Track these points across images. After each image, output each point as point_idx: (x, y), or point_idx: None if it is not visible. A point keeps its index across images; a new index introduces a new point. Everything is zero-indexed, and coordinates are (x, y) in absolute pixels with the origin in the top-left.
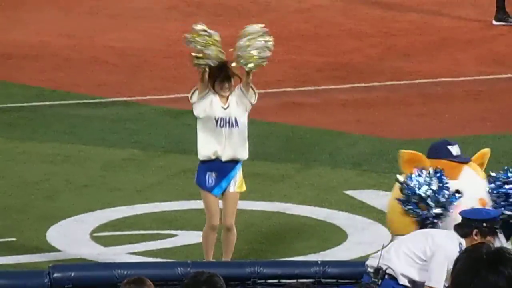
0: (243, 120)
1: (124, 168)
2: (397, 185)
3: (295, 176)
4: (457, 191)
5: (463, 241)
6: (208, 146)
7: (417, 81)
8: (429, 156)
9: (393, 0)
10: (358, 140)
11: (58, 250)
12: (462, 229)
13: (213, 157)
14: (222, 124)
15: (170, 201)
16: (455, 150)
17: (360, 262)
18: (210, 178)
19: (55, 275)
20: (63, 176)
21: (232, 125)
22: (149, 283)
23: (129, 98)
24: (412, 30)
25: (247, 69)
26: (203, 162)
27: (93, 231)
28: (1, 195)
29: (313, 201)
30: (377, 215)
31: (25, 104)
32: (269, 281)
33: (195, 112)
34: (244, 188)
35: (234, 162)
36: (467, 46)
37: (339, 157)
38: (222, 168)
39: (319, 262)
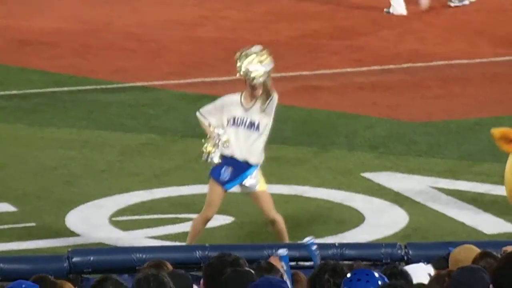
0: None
1: (141, 153)
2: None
3: (312, 160)
4: None
5: None
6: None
7: (433, 64)
8: None
9: None
10: (374, 123)
11: (77, 235)
12: None
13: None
14: (239, 123)
15: (188, 185)
16: None
17: (377, 244)
18: (226, 172)
19: (74, 259)
20: (81, 161)
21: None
22: (168, 266)
23: (146, 83)
24: (427, 12)
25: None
26: (224, 157)
27: (112, 216)
28: (21, 180)
29: (330, 184)
30: (394, 197)
31: (43, 90)
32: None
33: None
34: (265, 185)
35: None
36: (483, 28)
37: (356, 140)
38: (240, 166)
39: (336, 244)
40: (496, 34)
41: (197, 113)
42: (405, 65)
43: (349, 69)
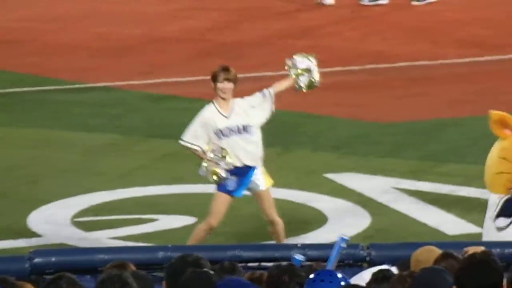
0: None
1: (105, 153)
2: (499, 142)
3: (276, 160)
4: None
5: None
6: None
7: (396, 64)
8: None
9: None
10: (338, 123)
11: (39, 235)
12: None
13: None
14: (228, 133)
15: (151, 185)
16: None
17: None
18: (232, 182)
19: (36, 260)
20: (44, 161)
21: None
22: (131, 267)
23: (110, 83)
24: (391, 13)
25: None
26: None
27: (74, 216)
28: None
29: (294, 185)
30: (357, 198)
31: (7, 90)
32: (250, 264)
33: None
34: (270, 181)
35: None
36: (446, 29)
37: (319, 140)
38: (243, 172)
39: (299, 245)
40: (459, 34)
41: (181, 142)
42: (368, 66)
43: None
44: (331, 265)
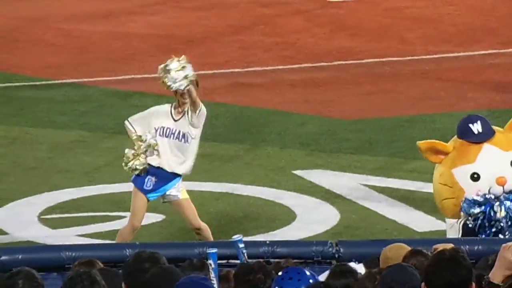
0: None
1: (72, 150)
2: (437, 169)
3: (244, 157)
4: (474, 174)
5: None
6: (158, 155)
7: (365, 61)
8: (457, 135)
9: None
10: (306, 120)
11: (6, 233)
12: None
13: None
14: (168, 134)
15: (119, 182)
16: (476, 127)
17: (308, 242)
18: (149, 182)
19: (2, 258)
20: (10, 158)
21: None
22: (99, 264)
23: (76, 80)
24: (359, 9)
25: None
26: (151, 166)
27: (41, 214)
28: None
29: (262, 181)
30: (326, 194)
31: None
32: (218, 261)
33: None
34: (187, 195)
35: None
36: (414, 26)
37: (288, 137)
38: (164, 176)
39: (267, 242)
40: (427, 31)
41: (126, 122)
42: (336, 62)
43: (281, 66)
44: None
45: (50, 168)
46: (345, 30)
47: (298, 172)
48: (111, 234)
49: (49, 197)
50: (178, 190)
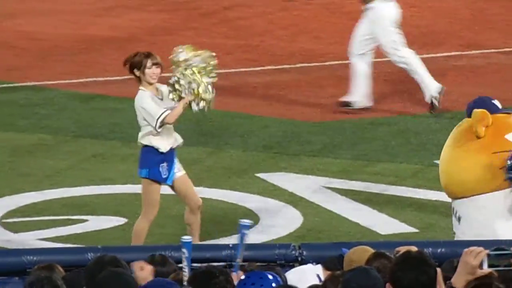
0: None
1: (33, 153)
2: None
3: (207, 160)
4: None
5: None
6: (167, 138)
7: (328, 63)
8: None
9: None
10: (269, 123)
11: None
12: None
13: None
14: None
15: (80, 186)
16: (498, 103)
17: (271, 245)
18: (164, 170)
19: None
20: None
21: None
22: (59, 268)
23: (38, 83)
24: (322, 12)
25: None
26: (161, 153)
27: (2, 217)
28: None
29: (225, 185)
30: (289, 197)
31: None
32: (180, 264)
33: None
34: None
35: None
36: None
37: (251, 140)
38: (172, 157)
39: (230, 245)
40: None
41: (159, 122)
42: (299, 65)
43: (243, 69)
44: (238, 255)
45: (11, 171)
46: (308, 32)
47: (261, 175)
48: (72, 237)
49: (10, 200)
50: (179, 167)
